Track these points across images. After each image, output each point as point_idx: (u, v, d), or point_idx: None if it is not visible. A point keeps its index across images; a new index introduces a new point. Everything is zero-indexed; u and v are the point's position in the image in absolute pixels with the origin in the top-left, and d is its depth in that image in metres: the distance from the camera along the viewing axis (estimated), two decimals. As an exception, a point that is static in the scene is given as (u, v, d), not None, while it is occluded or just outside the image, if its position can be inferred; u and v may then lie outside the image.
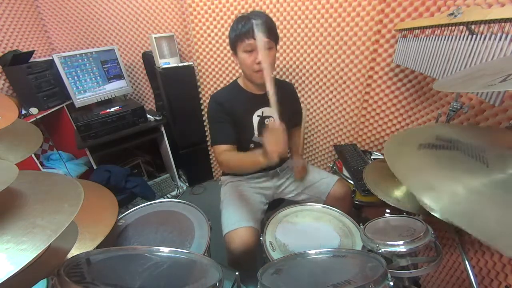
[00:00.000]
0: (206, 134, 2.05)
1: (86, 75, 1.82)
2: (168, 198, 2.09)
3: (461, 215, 0.38)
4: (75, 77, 1.77)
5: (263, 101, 1.11)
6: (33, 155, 1.49)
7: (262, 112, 1.12)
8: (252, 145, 1.15)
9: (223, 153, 1.03)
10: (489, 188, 0.41)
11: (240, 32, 0.96)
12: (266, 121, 1.13)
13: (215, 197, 1.28)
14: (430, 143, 0.55)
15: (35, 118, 1.61)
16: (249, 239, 0.96)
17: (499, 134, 0.62)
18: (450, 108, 0.92)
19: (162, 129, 1.96)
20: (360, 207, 1.29)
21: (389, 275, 0.56)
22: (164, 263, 0.61)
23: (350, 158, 1.41)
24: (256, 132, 1.13)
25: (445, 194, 0.42)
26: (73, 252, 0.57)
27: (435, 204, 0.40)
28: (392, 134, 0.58)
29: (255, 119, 1.11)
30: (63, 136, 2.01)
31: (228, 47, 1.07)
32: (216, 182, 2.22)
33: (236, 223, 1.00)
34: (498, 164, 0.45)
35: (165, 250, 0.64)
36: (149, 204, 1.05)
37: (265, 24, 0.95)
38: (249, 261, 0.98)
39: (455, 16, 0.81)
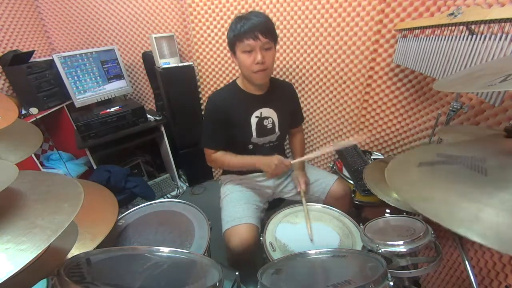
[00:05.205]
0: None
1: (86, 75, 1.82)
2: (168, 198, 2.08)
3: (463, 222, 0.38)
4: (75, 77, 1.77)
5: (262, 101, 1.12)
6: (33, 155, 1.49)
7: (261, 113, 1.11)
8: (250, 146, 1.15)
9: (212, 155, 1.15)
10: (490, 196, 0.40)
11: (239, 32, 0.95)
12: (265, 122, 1.12)
13: (215, 197, 1.28)
14: (430, 161, 0.55)
15: (35, 118, 1.60)
16: (249, 236, 0.96)
17: (498, 142, 0.63)
18: (450, 108, 0.93)
19: (162, 129, 1.95)
20: (360, 207, 1.29)
21: (389, 275, 0.56)
22: (164, 263, 0.61)
23: (350, 158, 1.40)
24: (254, 133, 1.12)
25: (441, 203, 0.42)
26: (73, 252, 0.57)
27: (436, 215, 0.40)
28: (392, 160, 0.60)
29: (253, 120, 1.11)
30: (63, 136, 2.01)
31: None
32: (216, 182, 2.21)
33: (236, 220, 1.00)
34: (498, 172, 0.45)
35: (165, 250, 0.64)
36: (149, 204, 1.05)
37: (264, 24, 0.95)
38: (248, 258, 0.98)
39: (455, 16, 0.81)
